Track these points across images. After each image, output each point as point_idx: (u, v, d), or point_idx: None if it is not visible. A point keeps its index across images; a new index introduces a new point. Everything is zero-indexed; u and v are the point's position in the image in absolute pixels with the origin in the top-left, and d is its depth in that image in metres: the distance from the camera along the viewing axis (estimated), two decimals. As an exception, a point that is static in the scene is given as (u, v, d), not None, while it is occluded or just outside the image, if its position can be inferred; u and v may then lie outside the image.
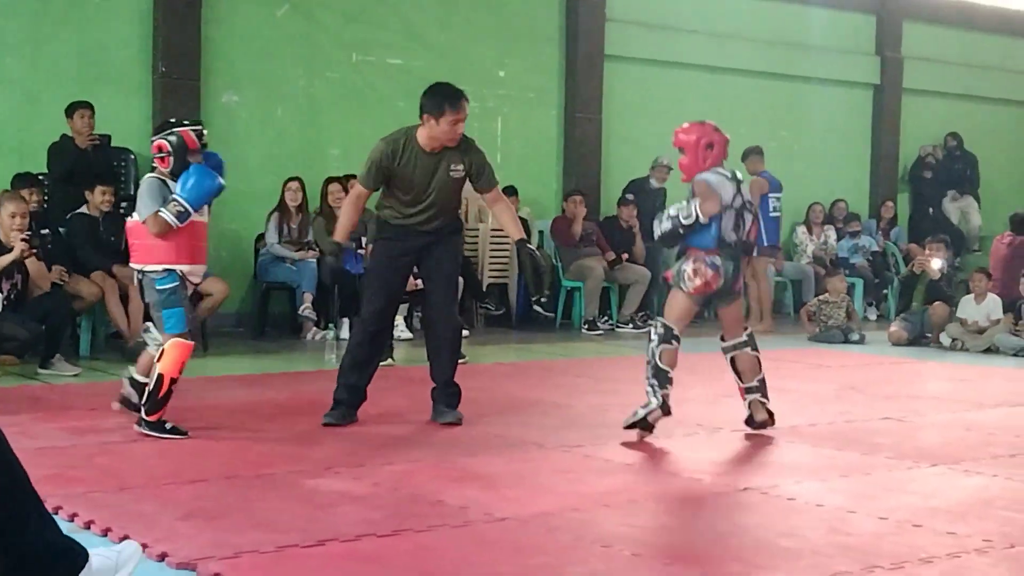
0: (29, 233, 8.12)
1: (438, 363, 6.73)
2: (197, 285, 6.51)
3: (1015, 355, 10.56)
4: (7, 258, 7.99)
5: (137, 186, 10.57)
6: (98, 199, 9.37)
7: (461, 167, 6.57)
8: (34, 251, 8.12)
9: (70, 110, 9.78)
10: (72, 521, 4.38)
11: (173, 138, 6.12)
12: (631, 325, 12.19)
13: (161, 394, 5.94)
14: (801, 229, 14.65)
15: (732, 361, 6.39)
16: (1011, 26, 17.16)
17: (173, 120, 6.41)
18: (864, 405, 7.61)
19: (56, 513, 4.46)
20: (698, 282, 6.10)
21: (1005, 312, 11.11)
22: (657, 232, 6.32)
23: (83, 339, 9.33)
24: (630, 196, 12.85)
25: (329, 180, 11.10)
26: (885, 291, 14.56)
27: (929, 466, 5.75)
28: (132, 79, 10.87)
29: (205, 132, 6.34)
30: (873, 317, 14.35)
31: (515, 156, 12.88)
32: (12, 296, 8.15)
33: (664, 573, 3.91)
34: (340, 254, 7.01)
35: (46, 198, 9.69)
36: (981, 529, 4.55)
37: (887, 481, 5.45)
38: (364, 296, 6.85)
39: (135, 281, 6.32)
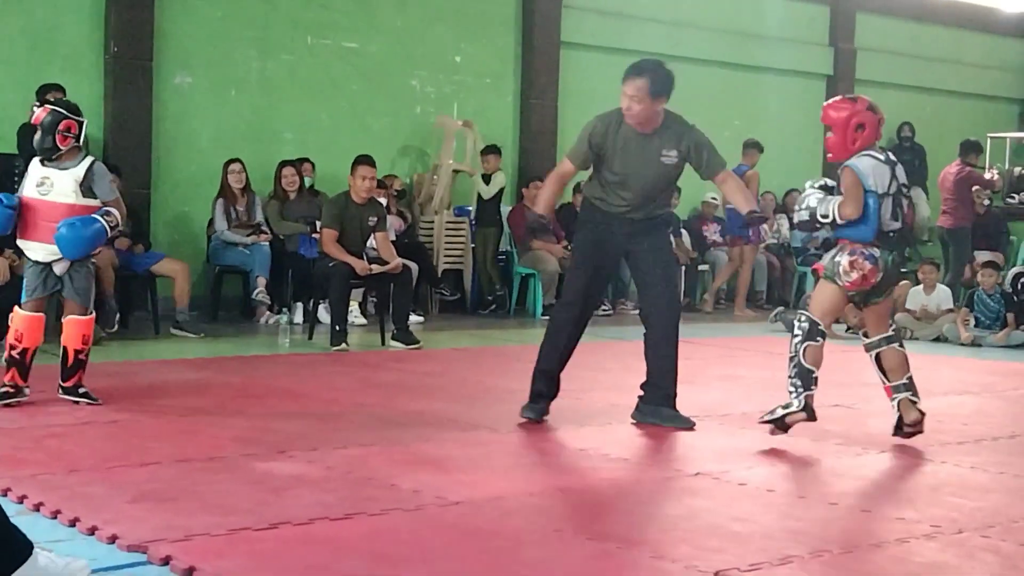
0: None
1: (655, 361, 6.30)
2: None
3: (965, 346, 10.69)
4: None
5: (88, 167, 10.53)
6: None
7: (675, 154, 6.12)
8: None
9: (41, 92, 9.57)
10: (21, 503, 4.34)
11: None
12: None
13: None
14: (755, 218, 14.74)
15: (877, 359, 5.92)
16: (962, 19, 17.33)
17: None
18: (815, 392, 7.66)
19: (5, 495, 4.44)
20: (855, 276, 5.68)
21: (956, 302, 11.23)
22: (796, 218, 5.98)
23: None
24: (582, 184, 12.87)
25: (283, 164, 11.04)
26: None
27: (878, 452, 5.81)
28: (84, 60, 10.75)
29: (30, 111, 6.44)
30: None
31: (471, 141, 12.87)
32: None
33: (615, 556, 3.93)
34: (544, 224, 6.97)
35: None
36: (930, 515, 4.60)
37: (837, 467, 5.50)
38: (566, 278, 6.65)
39: None
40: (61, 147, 6.22)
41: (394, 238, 10.64)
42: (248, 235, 10.57)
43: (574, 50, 13.69)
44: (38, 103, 6.44)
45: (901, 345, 5.95)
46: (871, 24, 16.44)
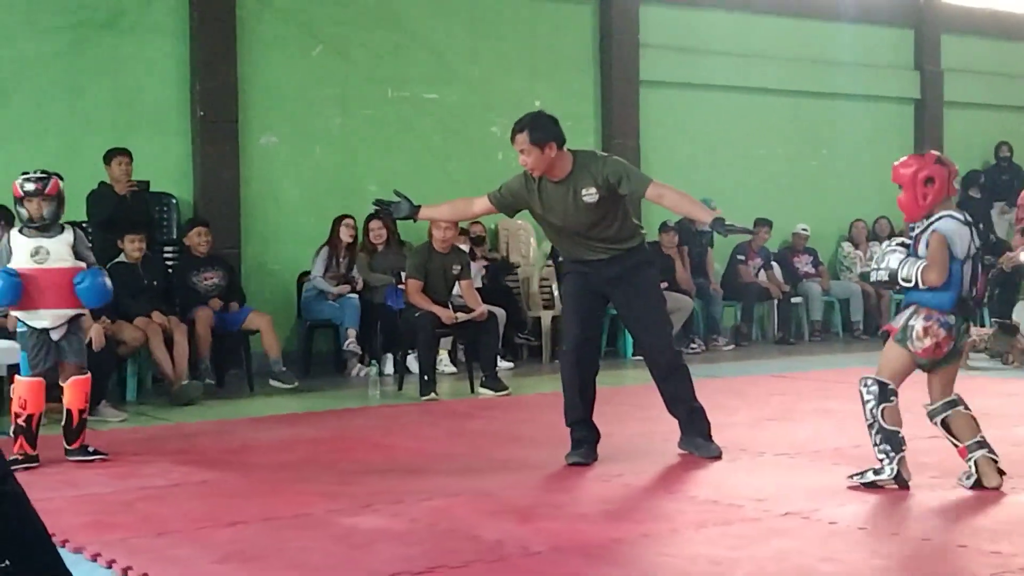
0: None
1: (669, 397, 6.46)
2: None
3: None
4: None
5: (180, 229, 10.78)
6: (128, 247, 9.45)
7: (594, 190, 6.11)
8: None
9: (108, 157, 9.85)
10: (110, 567, 4.40)
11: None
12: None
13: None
14: (847, 245, 14.58)
15: (944, 423, 5.62)
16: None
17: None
18: (910, 424, 7.38)
19: (94, 560, 4.51)
20: (928, 343, 5.44)
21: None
22: (873, 276, 5.75)
23: (129, 384, 9.42)
24: (672, 223, 12.82)
25: (370, 217, 11.16)
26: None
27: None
28: (170, 123, 10.99)
29: (36, 182, 6.59)
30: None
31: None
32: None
33: (700, 603, 3.87)
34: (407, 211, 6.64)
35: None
36: (1026, 548, 4.46)
37: (931, 501, 5.36)
38: (562, 328, 6.71)
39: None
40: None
41: (480, 285, 10.69)
42: (337, 285, 10.71)
43: (652, 88, 13.68)
44: (42, 174, 6.62)
45: (967, 408, 5.65)
46: (957, 45, 16.16)
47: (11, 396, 6.53)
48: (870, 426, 5.54)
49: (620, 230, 6.30)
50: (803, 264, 14.12)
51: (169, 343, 9.26)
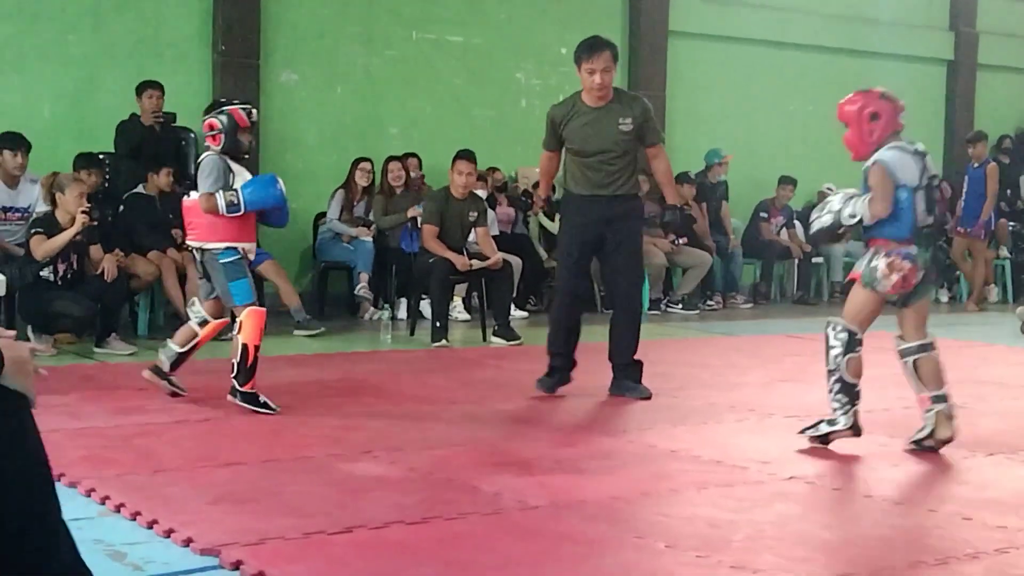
0: (90, 205, 8.17)
1: (616, 344, 6.94)
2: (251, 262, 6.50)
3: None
4: (67, 234, 8.00)
5: (198, 166, 10.67)
6: (163, 180, 9.42)
7: (630, 120, 6.70)
8: (94, 221, 8.22)
9: (139, 89, 9.81)
10: (103, 504, 4.36)
11: (223, 117, 6.29)
12: (681, 306, 12.07)
13: (248, 363, 6.10)
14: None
15: (914, 366, 5.50)
16: (1092, -1, 16.68)
17: (223, 100, 6.44)
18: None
19: (88, 496, 4.47)
20: (895, 279, 5.32)
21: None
22: (814, 227, 5.66)
23: (141, 318, 9.38)
24: (692, 175, 12.68)
25: (389, 159, 11.06)
26: (958, 272, 14.19)
27: (985, 455, 5.56)
28: (192, 58, 10.89)
29: (255, 111, 6.40)
30: (944, 299, 14.08)
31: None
32: (68, 275, 8.19)
33: (693, 566, 3.79)
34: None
35: (107, 178, 9.72)
36: (1034, 523, 4.37)
37: (940, 471, 5.28)
38: (557, 266, 7.19)
39: (195, 259, 6.38)
40: None
41: (497, 233, 10.59)
42: (353, 227, 10.64)
43: (682, 39, 13.49)
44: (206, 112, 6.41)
45: (938, 354, 5.55)
46: (994, 6, 15.88)
47: (238, 334, 6.11)
48: (831, 372, 5.46)
49: (632, 172, 6.83)
50: (827, 224, 13.94)
51: (183, 278, 9.21)
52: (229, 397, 6.15)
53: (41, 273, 8.09)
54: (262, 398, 6.13)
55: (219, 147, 6.27)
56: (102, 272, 8.24)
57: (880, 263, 5.37)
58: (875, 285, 5.39)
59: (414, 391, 7.00)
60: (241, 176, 6.28)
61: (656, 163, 6.99)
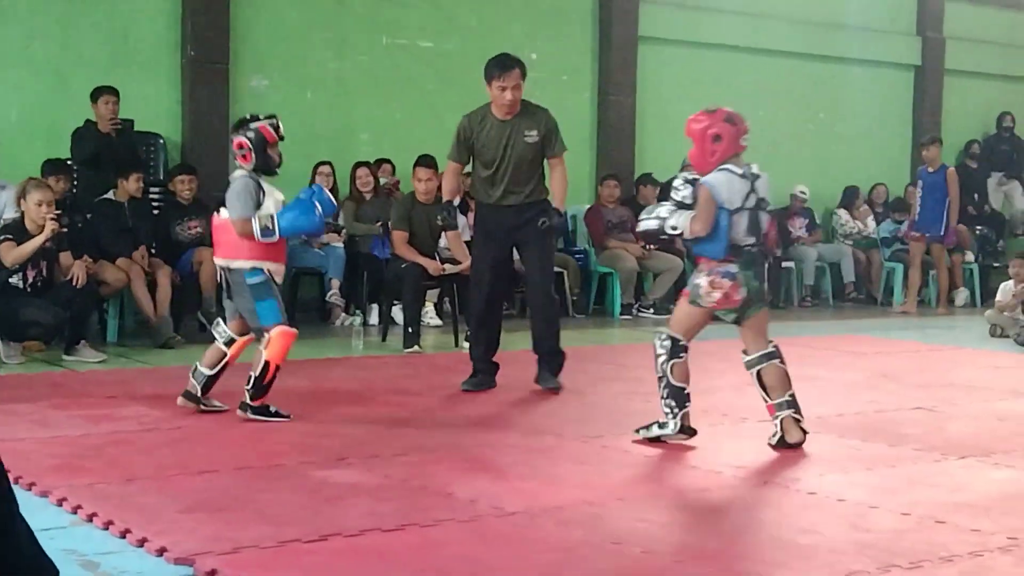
0: (59, 212, 8.10)
1: (538, 335, 7.26)
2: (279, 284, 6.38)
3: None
4: (36, 240, 7.95)
5: (167, 171, 10.60)
6: (132, 186, 9.36)
7: (535, 133, 7.00)
8: (64, 228, 8.15)
9: (94, 95, 9.70)
10: (75, 513, 4.32)
11: (251, 134, 6.16)
12: (652, 310, 12.10)
13: (266, 380, 6.05)
14: (843, 212, 14.47)
15: (759, 376, 5.71)
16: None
17: (249, 116, 6.33)
18: (895, 394, 7.45)
19: (60, 505, 4.43)
20: (717, 296, 5.57)
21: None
22: (640, 227, 5.89)
23: (110, 325, 9.32)
24: (654, 175, 12.68)
25: (358, 164, 11.03)
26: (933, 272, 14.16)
27: (957, 459, 5.59)
28: (161, 63, 10.85)
29: (281, 125, 6.28)
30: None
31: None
32: (38, 283, 8.12)
33: (669, 571, 3.80)
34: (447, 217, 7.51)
35: (75, 184, 9.64)
36: (1006, 526, 4.40)
37: (912, 474, 5.30)
38: (475, 270, 7.36)
39: (219, 276, 6.34)
40: None
41: (468, 238, 10.57)
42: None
43: (651, 44, 13.53)
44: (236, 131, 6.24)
45: (782, 361, 5.71)
46: (961, 12, 16.00)
47: (263, 348, 6.03)
48: (660, 379, 5.69)
49: (539, 180, 7.13)
50: (796, 228, 14.01)
51: (152, 285, 9.15)
52: (239, 412, 6.07)
53: (10, 280, 8.02)
54: (273, 408, 6.11)
55: (250, 165, 6.13)
56: (71, 279, 8.18)
57: (703, 281, 5.62)
58: (699, 301, 5.65)
59: (387, 398, 6.98)
60: (271, 196, 6.14)
61: (555, 173, 7.18)
